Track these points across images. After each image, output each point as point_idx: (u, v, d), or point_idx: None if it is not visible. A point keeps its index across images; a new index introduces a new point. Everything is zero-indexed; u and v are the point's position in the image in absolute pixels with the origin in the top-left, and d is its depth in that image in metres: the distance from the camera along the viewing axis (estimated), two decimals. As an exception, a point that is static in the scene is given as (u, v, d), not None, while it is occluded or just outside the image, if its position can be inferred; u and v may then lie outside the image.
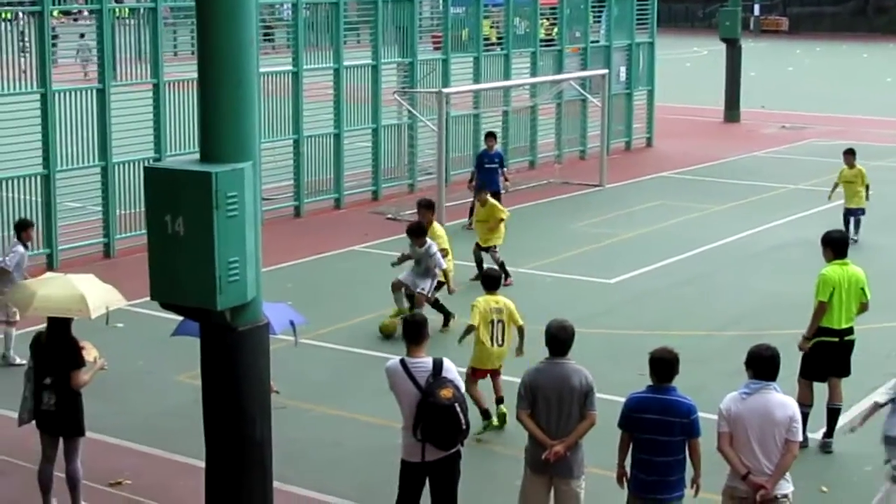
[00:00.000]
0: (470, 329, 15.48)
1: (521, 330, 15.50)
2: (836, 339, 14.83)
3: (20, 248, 18.12)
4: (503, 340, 15.49)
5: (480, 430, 15.03)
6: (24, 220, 18.92)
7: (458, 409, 11.16)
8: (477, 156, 28.59)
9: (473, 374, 15.47)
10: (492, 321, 15.40)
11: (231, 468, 10.17)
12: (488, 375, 15.64)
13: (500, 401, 15.51)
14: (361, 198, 30.37)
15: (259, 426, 10.17)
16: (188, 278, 9.68)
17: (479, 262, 22.30)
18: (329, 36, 29.91)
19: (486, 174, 27.05)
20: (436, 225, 20.68)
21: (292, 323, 14.45)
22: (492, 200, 23.40)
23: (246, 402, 10.06)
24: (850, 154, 26.46)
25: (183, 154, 25.72)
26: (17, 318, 17.37)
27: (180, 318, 12.20)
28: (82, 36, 31.29)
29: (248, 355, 10.05)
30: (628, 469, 11.24)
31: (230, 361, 9.99)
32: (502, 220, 22.97)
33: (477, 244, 22.81)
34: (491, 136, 28.27)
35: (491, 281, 15.94)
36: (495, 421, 15.40)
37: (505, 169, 27.94)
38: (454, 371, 11.41)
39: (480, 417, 15.20)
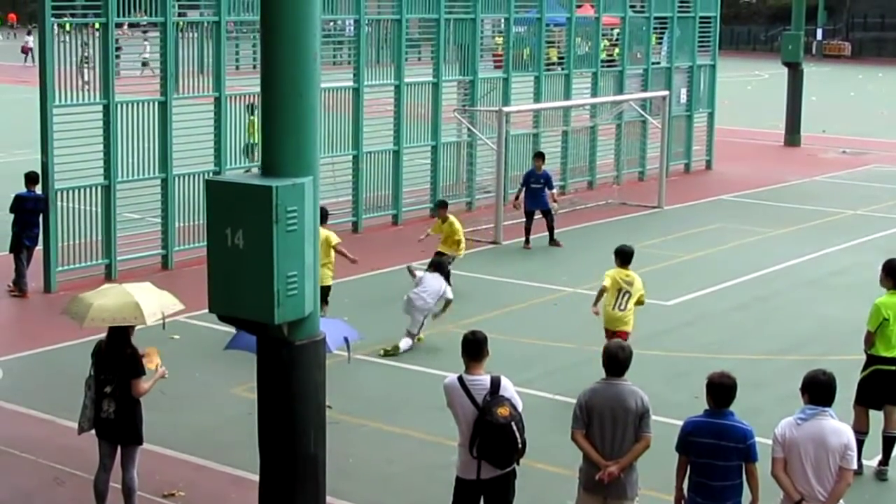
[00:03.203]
0: (602, 291, 17.72)
1: (640, 302, 17.74)
2: (893, 368, 14.71)
3: None
4: (626, 307, 17.52)
5: None
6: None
7: (515, 427, 11.14)
8: (524, 175, 28.56)
9: (606, 334, 17.23)
10: (619, 290, 17.54)
11: (284, 482, 10.21)
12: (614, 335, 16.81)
13: None
14: (420, 214, 30.39)
15: (313, 440, 10.20)
16: (247, 291, 9.73)
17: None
18: (390, 52, 30.01)
19: (532, 194, 27.27)
20: (452, 218, 23.29)
21: (346, 339, 14.48)
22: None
23: (300, 416, 10.09)
24: None
25: (242, 168, 25.80)
26: None
27: (236, 331, 12.26)
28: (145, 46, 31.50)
29: (303, 369, 10.08)
30: (686, 492, 11.18)
31: (286, 375, 10.02)
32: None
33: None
34: (539, 156, 28.42)
35: (624, 256, 17.86)
36: None
37: (554, 191, 27.98)
38: (512, 389, 11.38)
39: None
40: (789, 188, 37.20)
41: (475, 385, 11.28)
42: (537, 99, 33.48)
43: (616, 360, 11.28)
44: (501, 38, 34.05)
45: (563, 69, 34.89)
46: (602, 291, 17.81)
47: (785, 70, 48.15)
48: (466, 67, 31.58)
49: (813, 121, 49.55)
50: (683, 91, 39.32)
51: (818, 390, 10.87)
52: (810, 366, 11.33)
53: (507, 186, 29.14)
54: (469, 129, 31.36)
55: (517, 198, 27.94)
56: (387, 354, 19.34)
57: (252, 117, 27.78)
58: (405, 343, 19.69)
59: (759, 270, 25.73)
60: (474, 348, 11.47)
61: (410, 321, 19.89)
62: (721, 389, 10.96)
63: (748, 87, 73.05)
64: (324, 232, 20.47)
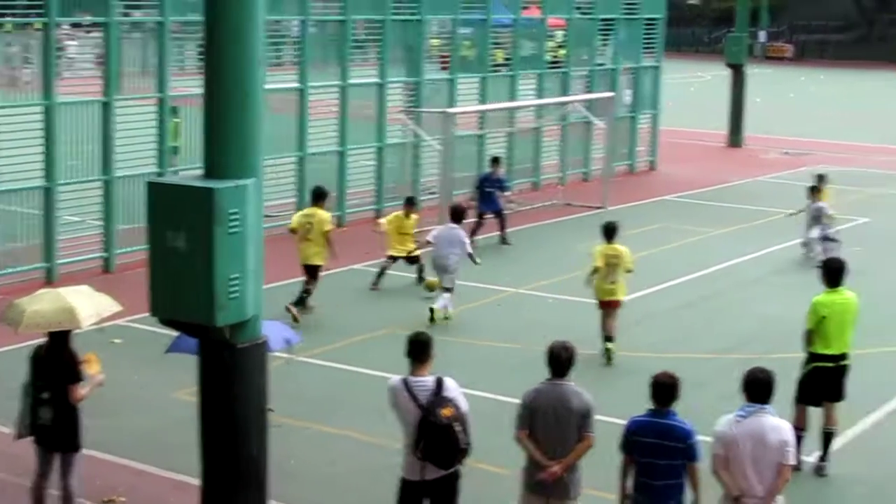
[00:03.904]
0: (595, 271, 19.52)
1: (629, 270, 19.67)
2: (832, 365, 14.87)
3: None
4: (616, 279, 19.52)
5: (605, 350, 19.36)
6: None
7: (459, 428, 11.14)
8: (479, 178, 28.65)
9: (599, 305, 19.68)
10: (608, 264, 19.39)
11: (227, 485, 10.17)
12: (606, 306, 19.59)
13: (607, 339, 19.36)
14: (365, 216, 30.33)
15: (255, 443, 10.17)
16: (188, 294, 9.68)
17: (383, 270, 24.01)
18: (336, 53, 29.94)
19: (485, 197, 27.59)
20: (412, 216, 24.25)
21: (288, 341, 14.44)
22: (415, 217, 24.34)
23: (242, 419, 10.06)
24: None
25: (186, 169, 25.67)
26: None
27: (178, 334, 12.19)
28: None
29: (246, 372, 10.04)
30: (629, 491, 11.22)
31: (228, 378, 9.98)
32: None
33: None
34: (497, 161, 28.56)
35: (609, 231, 19.81)
36: (605, 351, 19.35)
37: (509, 193, 28.18)
38: (456, 390, 11.37)
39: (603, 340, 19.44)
40: (732, 188, 37.43)
41: (419, 386, 11.27)
42: (483, 100, 33.51)
43: (559, 361, 11.32)
44: (437, 41, 34.01)
45: (508, 70, 34.95)
46: (595, 270, 19.56)
47: (728, 72, 48.45)
48: (412, 69, 31.56)
49: (756, 122, 49.86)
50: (628, 92, 39.47)
51: (757, 388, 10.97)
52: (751, 364, 11.39)
53: (452, 188, 29.14)
54: (414, 131, 31.35)
55: (473, 199, 28.22)
56: (430, 289, 22.51)
57: (176, 120, 27.31)
58: (443, 302, 21.45)
59: (702, 270, 25.90)
60: (419, 350, 11.46)
61: (445, 279, 21.67)
62: (663, 388, 11.03)
63: (691, 88, 73.40)
64: (321, 213, 21.67)
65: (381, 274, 23.77)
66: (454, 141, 30.56)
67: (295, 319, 20.55)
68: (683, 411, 11.18)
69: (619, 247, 19.73)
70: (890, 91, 78.39)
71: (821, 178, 27.79)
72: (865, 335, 17.86)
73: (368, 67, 31.60)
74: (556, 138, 36.82)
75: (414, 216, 24.37)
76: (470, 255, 21.99)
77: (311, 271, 21.88)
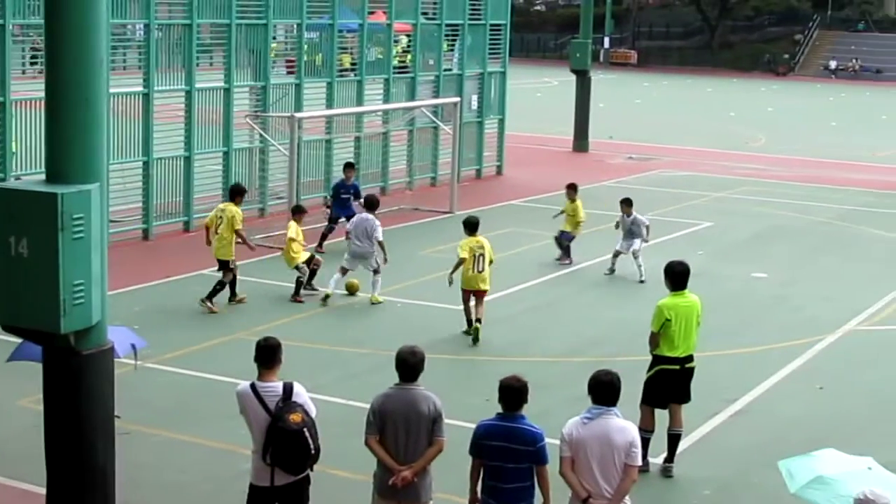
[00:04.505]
0: (460, 262, 20.89)
1: (491, 261, 21.13)
2: (677, 367, 15.07)
3: None
4: (483, 268, 20.93)
5: (469, 332, 20.76)
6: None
7: (307, 433, 11.11)
8: (334, 186, 28.55)
9: (464, 294, 21.05)
10: (474, 255, 20.87)
11: (73, 494, 10.01)
12: (472, 295, 20.96)
13: (477, 321, 20.69)
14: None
15: (102, 451, 10.03)
16: (32, 301, 9.53)
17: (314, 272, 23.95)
18: (181, 57, 29.65)
19: (341, 203, 27.39)
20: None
21: (134, 347, 14.27)
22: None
23: (89, 427, 9.91)
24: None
25: (30, 174, 25.22)
26: None
27: (21, 341, 11.99)
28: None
29: (92, 379, 9.91)
30: (479, 495, 11.26)
31: (73, 385, 9.83)
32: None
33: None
34: (350, 167, 28.44)
35: (471, 226, 21.37)
36: (473, 331, 20.67)
37: (361, 200, 27.94)
38: (304, 395, 11.33)
39: (466, 325, 20.95)
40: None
41: (267, 392, 11.22)
42: (330, 105, 33.46)
43: (408, 365, 11.32)
44: (276, 45, 33.86)
45: (355, 75, 34.94)
46: (460, 263, 20.94)
47: (574, 77, 48.96)
48: (259, 73, 31.40)
49: (601, 127, 50.49)
50: (474, 98, 39.71)
51: (602, 390, 11.08)
52: (598, 367, 11.51)
53: (299, 193, 29.05)
54: (261, 135, 31.20)
55: (326, 201, 28.36)
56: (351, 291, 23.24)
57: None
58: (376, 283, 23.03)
59: (549, 274, 26.13)
60: (266, 355, 11.40)
61: (365, 265, 23.03)
62: (512, 392, 11.08)
63: (538, 94, 74.12)
64: (231, 209, 22.56)
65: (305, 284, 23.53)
66: (301, 145, 30.51)
67: (211, 311, 21.86)
68: (532, 415, 11.24)
69: (482, 239, 21.22)
70: (731, 97, 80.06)
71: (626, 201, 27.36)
72: (709, 338, 18.22)
73: (215, 71, 31.37)
74: (403, 143, 36.93)
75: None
76: (380, 244, 22.96)
77: (222, 265, 22.56)
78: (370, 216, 23.27)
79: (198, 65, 29.88)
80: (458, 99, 35.89)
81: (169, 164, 29.30)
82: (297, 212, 24.05)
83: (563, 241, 27.44)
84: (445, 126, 35.70)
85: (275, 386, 11.27)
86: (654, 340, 15.04)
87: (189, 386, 18.19)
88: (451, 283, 21.15)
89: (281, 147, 29.87)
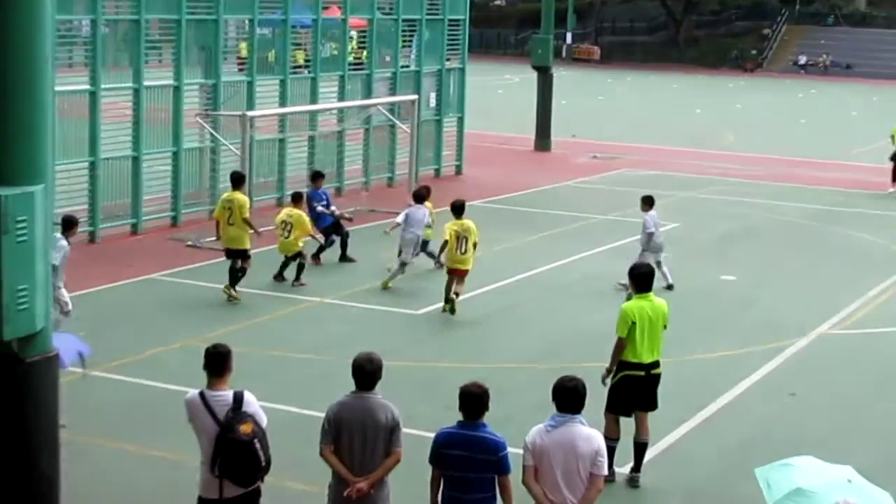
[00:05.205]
0: (444, 244, 23.08)
1: (474, 245, 22.99)
2: (642, 374, 15.07)
3: (64, 243, 19.17)
4: (465, 249, 22.72)
5: (446, 308, 22.74)
6: (69, 218, 20.20)
7: (258, 444, 11.07)
8: (306, 197, 27.89)
9: (448, 273, 23.08)
10: (458, 237, 22.67)
11: (17, 505, 9.97)
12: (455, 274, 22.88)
13: (455, 294, 22.69)
14: (160, 223, 30.02)
15: (47, 461, 9.99)
16: (-27, 306, 9.47)
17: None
18: (129, 54, 29.54)
19: (318, 215, 26.80)
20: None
21: (81, 354, 14.22)
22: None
23: (33, 436, 9.88)
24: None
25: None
26: (70, 308, 19.19)
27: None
28: None
29: (36, 387, 9.87)
30: (440, 505, 11.28)
31: (17, 394, 9.79)
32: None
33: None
34: (319, 176, 27.89)
35: (457, 209, 23.19)
36: (448, 305, 22.65)
37: (333, 208, 27.50)
38: (255, 404, 11.30)
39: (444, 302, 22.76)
40: (540, 193, 37.91)
41: (217, 401, 11.18)
42: (283, 103, 33.40)
43: (364, 373, 11.28)
44: (243, 44, 33.78)
45: (309, 72, 34.90)
46: (445, 245, 23.07)
47: (535, 74, 49.02)
48: (210, 70, 31.32)
49: (564, 125, 50.60)
50: (433, 95, 39.72)
51: (566, 397, 11.08)
52: (562, 373, 11.51)
53: (251, 194, 28.94)
54: (212, 135, 31.12)
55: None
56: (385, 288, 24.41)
57: None
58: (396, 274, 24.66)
59: (510, 277, 26.12)
60: (216, 362, 11.36)
61: (403, 253, 24.71)
62: (472, 399, 11.06)
63: (499, 91, 74.23)
64: (239, 197, 23.50)
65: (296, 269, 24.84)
66: (254, 145, 30.46)
67: (234, 298, 23.10)
68: (493, 423, 11.24)
69: (468, 222, 23.01)
70: (698, 93, 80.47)
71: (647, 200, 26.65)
72: (677, 342, 18.27)
73: (164, 69, 31.27)
74: (359, 142, 36.90)
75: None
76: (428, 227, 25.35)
77: (239, 255, 23.43)
78: (422, 206, 25.24)
79: (146, 62, 29.75)
80: (415, 96, 35.92)
81: (116, 165, 29.18)
82: (298, 199, 25.43)
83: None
84: (403, 124, 35.74)
85: (224, 395, 11.23)
86: (621, 346, 15.02)
87: (137, 394, 18.12)
88: (441, 265, 24.26)
89: (232, 147, 29.81)
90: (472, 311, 23.25)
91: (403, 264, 24.83)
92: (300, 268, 24.60)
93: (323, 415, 11.45)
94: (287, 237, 24.45)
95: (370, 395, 11.30)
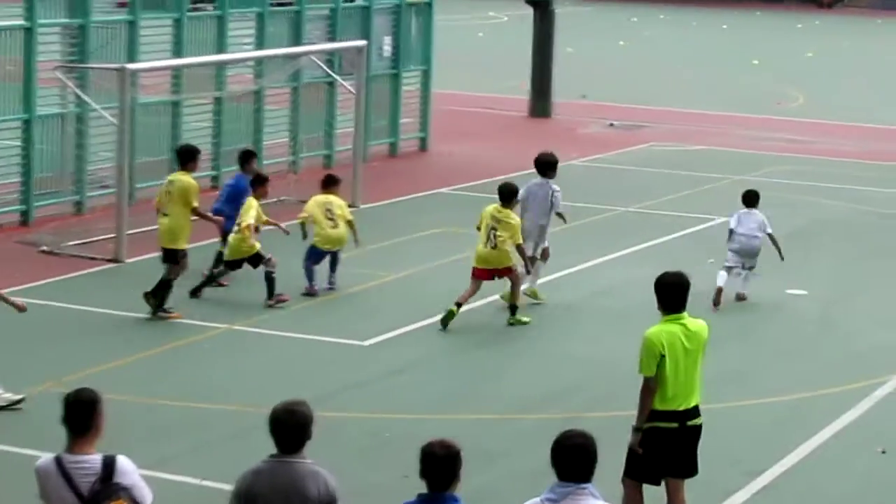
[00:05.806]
0: (305, 220, 25.13)
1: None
2: (676, 425, 14.86)
3: None
4: (496, 245, 23.92)
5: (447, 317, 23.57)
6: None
7: (134, 528, 11.05)
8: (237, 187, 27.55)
9: (474, 272, 24.25)
10: (488, 226, 24.02)
11: None
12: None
13: (511, 307, 24.19)
14: (4, 220, 29.89)
15: None
16: None
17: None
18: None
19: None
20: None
21: None
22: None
23: None
24: None
25: None
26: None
27: None
28: None
29: None
30: None
31: None
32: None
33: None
34: (251, 155, 27.63)
35: (503, 194, 24.65)
36: (448, 313, 23.55)
37: None
38: (133, 474, 11.21)
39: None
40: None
41: (79, 468, 11.10)
42: (178, 53, 33.34)
43: (286, 429, 11.19)
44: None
45: (214, 9, 34.86)
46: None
47: (530, 11, 49.02)
48: (74, 8, 31.21)
49: (569, 82, 50.62)
50: (387, 41, 39.66)
51: (571, 460, 11.01)
52: (565, 426, 11.47)
53: (133, 179, 28.89)
54: (78, 96, 30.98)
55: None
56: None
57: None
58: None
59: (494, 293, 25.93)
60: (78, 415, 11.25)
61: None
62: (437, 464, 11.00)
63: (480, 34, 74.40)
64: (183, 180, 24.04)
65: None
66: (137, 110, 30.36)
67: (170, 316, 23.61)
68: (469, 495, 11.22)
69: (510, 213, 24.34)
70: (751, 37, 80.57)
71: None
72: (723, 381, 18.27)
73: (10, 3, 31.19)
74: (284, 106, 36.80)
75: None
76: (559, 215, 26.88)
77: (169, 256, 23.83)
78: (547, 181, 26.74)
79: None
80: (363, 42, 35.83)
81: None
82: (260, 183, 25.37)
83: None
84: (345, 81, 35.64)
85: (90, 460, 11.15)
86: (650, 389, 14.76)
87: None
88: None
89: (107, 113, 29.68)
90: (446, 340, 23.22)
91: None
92: (208, 279, 24.83)
93: (231, 488, 11.40)
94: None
95: (295, 459, 11.24)
